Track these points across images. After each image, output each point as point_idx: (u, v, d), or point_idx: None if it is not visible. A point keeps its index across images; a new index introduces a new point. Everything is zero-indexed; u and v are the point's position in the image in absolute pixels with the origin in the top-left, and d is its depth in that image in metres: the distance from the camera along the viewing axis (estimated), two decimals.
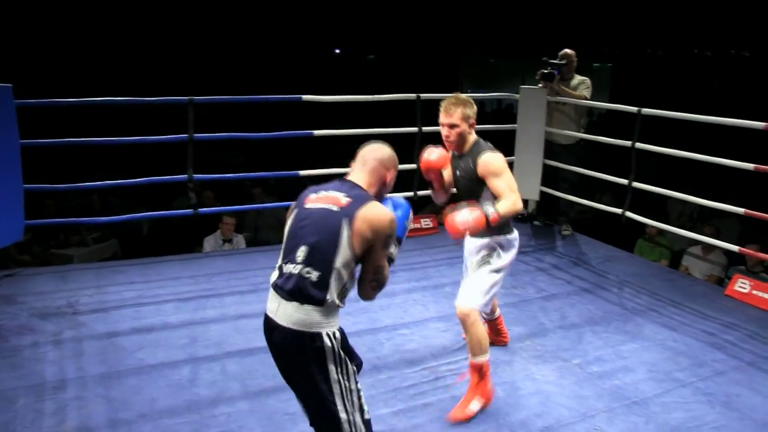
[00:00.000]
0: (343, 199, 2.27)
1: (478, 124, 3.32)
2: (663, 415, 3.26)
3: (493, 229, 3.19)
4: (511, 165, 5.90)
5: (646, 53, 17.00)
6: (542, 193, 6.25)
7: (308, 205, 2.33)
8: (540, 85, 6.04)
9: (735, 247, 5.05)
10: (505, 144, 4.56)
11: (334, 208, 2.25)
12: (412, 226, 2.53)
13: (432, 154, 3.19)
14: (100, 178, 5.01)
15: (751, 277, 5.14)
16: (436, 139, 5.16)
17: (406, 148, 5.91)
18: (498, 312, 3.84)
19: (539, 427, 3.12)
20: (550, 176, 6.18)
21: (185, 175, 5.00)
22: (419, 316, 4.28)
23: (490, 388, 3.26)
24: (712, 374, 3.70)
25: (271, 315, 2.27)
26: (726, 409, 3.34)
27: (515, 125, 6.17)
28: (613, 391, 3.47)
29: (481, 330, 3.22)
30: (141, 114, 7.83)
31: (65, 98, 4.65)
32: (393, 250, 2.38)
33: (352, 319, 4.25)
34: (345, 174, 2.44)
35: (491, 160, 3.17)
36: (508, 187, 3.14)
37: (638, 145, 5.32)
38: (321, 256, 2.22)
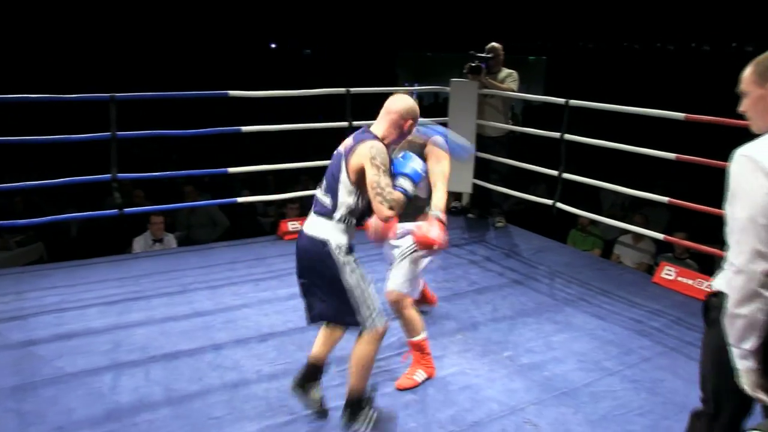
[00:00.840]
0: (349, 141, 2.84)
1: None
2: (591, 405, 3.29)
3: (414, 215, 3.33)
4: None
5: (578, 46, 17.33)
6: (475, 186, 6.28)
7: (340, 148, 2.88)
8: (468, 78, 6.06)
9: (660, 236, 5.17)
10: None
11: (341, 150, 2.85)
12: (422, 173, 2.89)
13: None
14: (25, 179, 4.78)
15: (678, 264, 5.27)
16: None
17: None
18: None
19: (469, 422, 3.11)
20: (482, 169, 6.21)
21: (109, 175, 4.82)
22: None
23: (433, 364, 3.48)
24: (639, 361, 3.77)
25: (306, 230, 2.87)
26: (650, 394, 3.41)
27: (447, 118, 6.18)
28: (542, 383, 3.48)
29: (412, 312, 3.40)
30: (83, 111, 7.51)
31: None
32: (405, 183, 2.79)
33: (282, 317, 4.19)
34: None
35: (440, 148, 3.39)
36: (444, 175, 3.34)
37: (566, 136, 5.37)
38: (331, 188, 2.82)
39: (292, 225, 5.85)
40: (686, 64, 15.10)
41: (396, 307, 3.37)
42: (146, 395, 3.26)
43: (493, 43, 6.12)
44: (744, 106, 2.00)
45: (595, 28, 16.84)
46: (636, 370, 3.67)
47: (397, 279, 3.39)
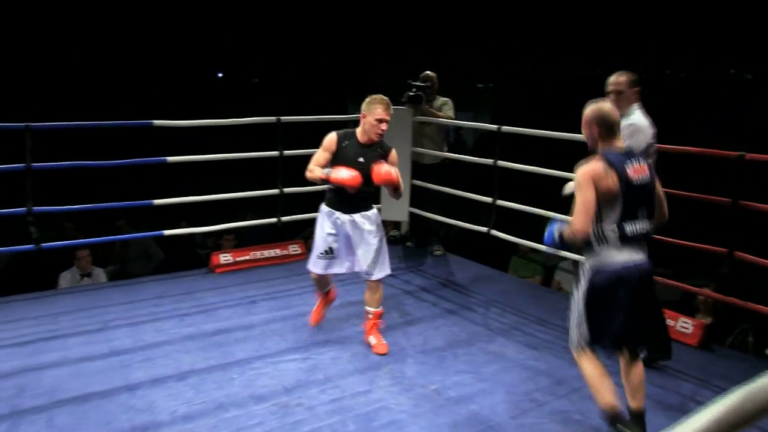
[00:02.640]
0: (644, 169, 3.00)
1: None
2: None
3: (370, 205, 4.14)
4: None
5: (525, 74, 17.57)
6: (412, 215, 6.21)
7: (635, 177, 2.95)
8: (408, 107, 6.01)
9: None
10: None
11: (649, 178, 3.02)
12: None
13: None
14: None
15: None
16: (299, 163, 5.00)
17: (269, 172, 5.73)
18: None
19: None
20: (418, 197, 6.14)
21: (24, 208, 4.61)
22: (275, 348, 4.08)
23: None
24: (569, 392, 3.69)
25: (632, 260, 2.96)
26: (578, 426, 3.33)
27: None
28: (469, 417, 3.38)
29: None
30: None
31: None
32: None
33: (204, 354, 4.01)
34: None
35: (396, 155, 4.16)
36: (397, 166, 4.14)
37: (500, 162, 5.35)
38: (650, 214, 3.02)
39: (224, 257, 5.68)
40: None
41: (378, 288, 4.14)
42: None
43: (428, 72, 6.10)
44: (612, 99, 3.57)
45: (540, 55, 17.11)
46: (565, 401, 3.59)
47: (382, 265, 4.07)
